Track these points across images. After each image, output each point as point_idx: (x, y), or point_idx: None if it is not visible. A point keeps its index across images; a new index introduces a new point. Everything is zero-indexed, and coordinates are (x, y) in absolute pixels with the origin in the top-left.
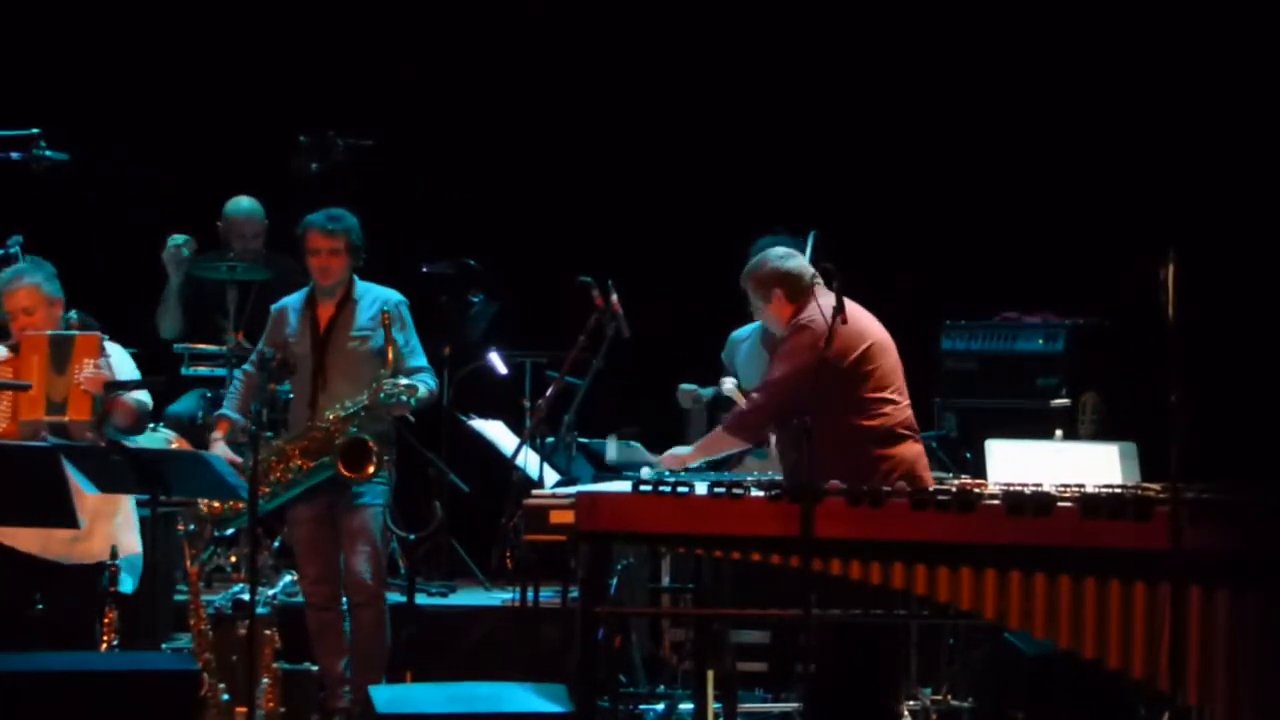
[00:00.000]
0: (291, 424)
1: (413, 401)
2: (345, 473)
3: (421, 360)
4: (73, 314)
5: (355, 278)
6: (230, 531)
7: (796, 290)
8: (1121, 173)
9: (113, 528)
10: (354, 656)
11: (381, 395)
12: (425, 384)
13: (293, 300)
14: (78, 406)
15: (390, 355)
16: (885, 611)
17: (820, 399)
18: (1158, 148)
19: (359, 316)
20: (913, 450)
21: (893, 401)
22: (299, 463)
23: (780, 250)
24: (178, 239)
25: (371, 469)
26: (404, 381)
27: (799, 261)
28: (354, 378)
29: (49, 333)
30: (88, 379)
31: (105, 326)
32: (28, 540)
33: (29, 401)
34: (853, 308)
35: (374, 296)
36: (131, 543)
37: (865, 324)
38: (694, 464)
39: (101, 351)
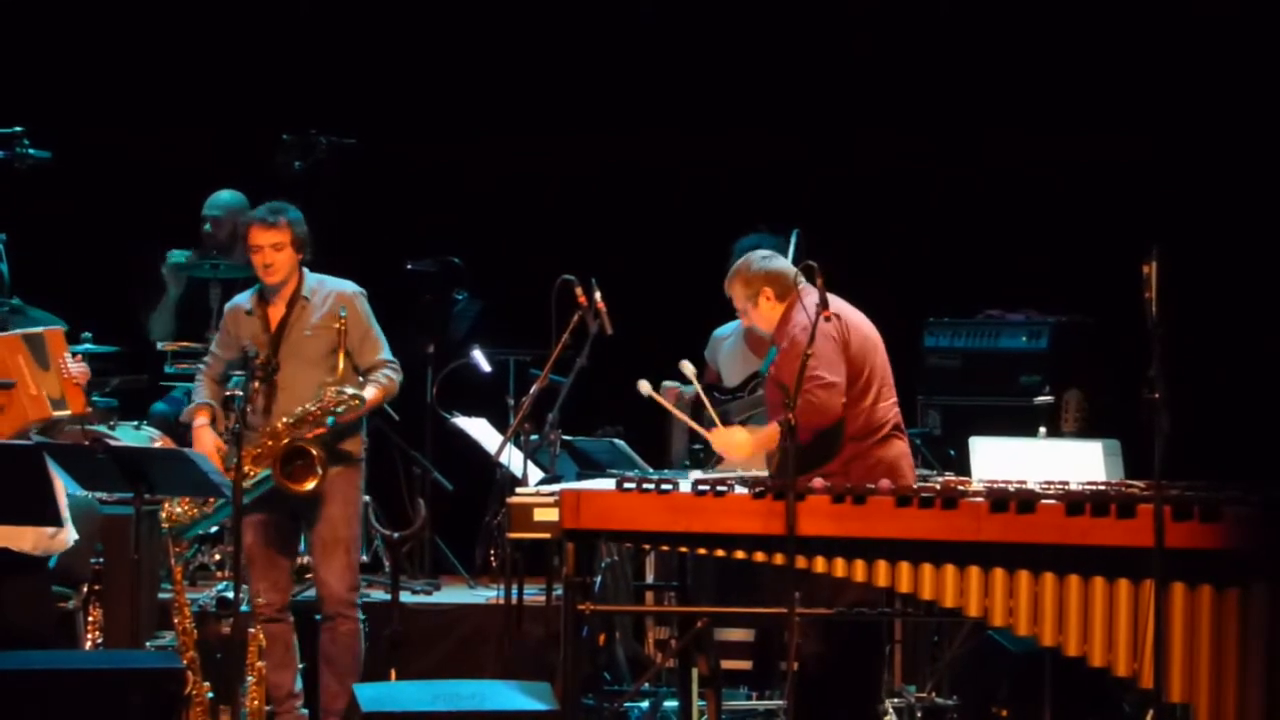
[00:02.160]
0: (249, 429)
1: (361, 403)
2: (286, 483)
3: (383, 353)
4: None
5: (306, 271)
6: (214, 530)
7: (784, 289)
8: (1105, 170)
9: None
10: (329, 668)
11: (334, 407)
12: (378, 382)
13: (242, 299)
14: (75, 399)
15: (340, 365)
16: (869, 609)
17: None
18: (1142, 144)
19: (312, 314)
20: (897, 448)
21: (881, 399)
22: (249, 468)
23: (761, 252)
24: (178, 257)
25: (313, 481)
26: (349, 391)
27: (782, 261)
28: (311, 380)
29: (19, 331)
30: (80, 372)
31: (90, 324)
32: (19, 538)
33: (34, 402)
34: (843, 306)
35: (327, 290)
36: (74, 531)
37: (856, 322)
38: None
39: (66, 344)
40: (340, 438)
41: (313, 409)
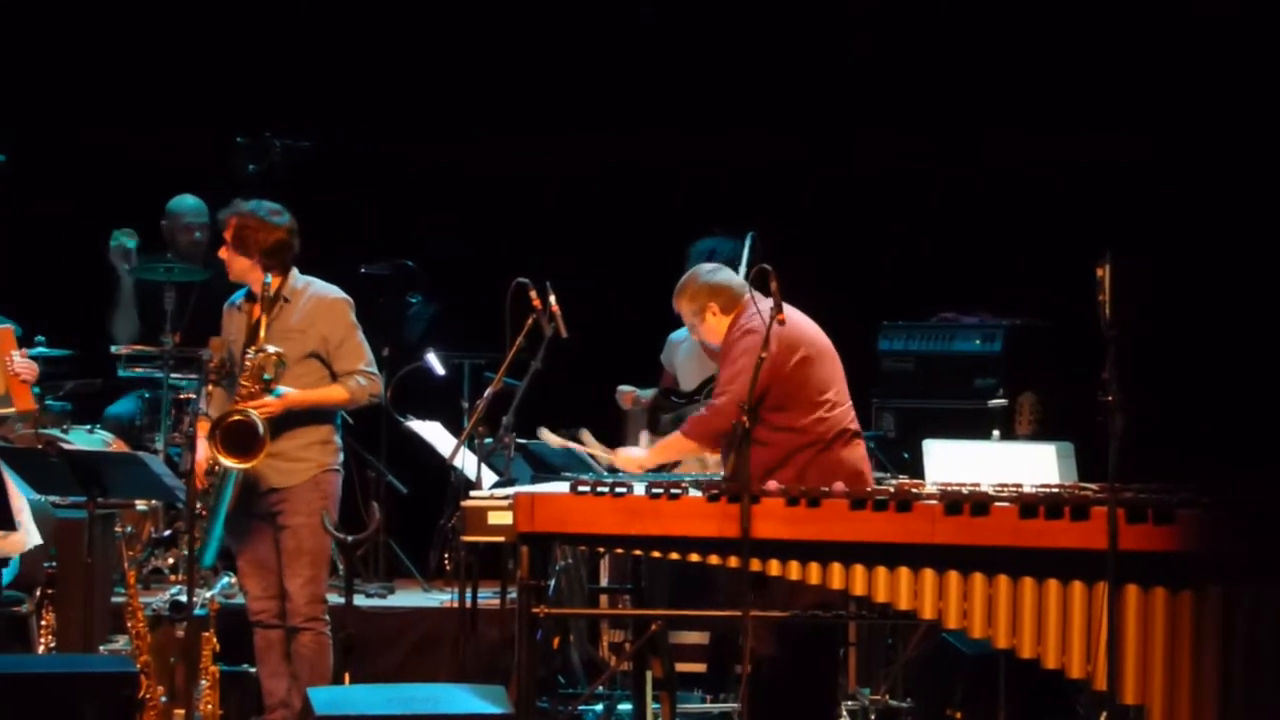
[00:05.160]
0: None
1: (282, 362)
2: (227, 456)
3: (358, 362)
4: None
5: (295, 272)
6: (168, 533)
7: (730, 302)
8: (1059, 173)
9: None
10: (294, 681)
11: (258, 370)
12: (346, 385)
13: (236, 297)
14: (22, 397)
15: (261, 334)
16: (823, 611)
17: (761, 402)
18: (1096, 147)
19: (290, 315)
20: (855, 453)
21: (832, 404)
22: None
23: (707, 266)
24: (119, 235)
25: (257, 451)
26: (270, 349)
27: (727, 274)
28: (286, 382)
29: None
30: (25, 368)
31: (44, 328)
32: None
33: None
34: (790, 312)
35: (310, 294)
36: (36, 534)
37: (803, 327)
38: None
39: (16, 342)
40: (306, 446)
41: (245, 382)
